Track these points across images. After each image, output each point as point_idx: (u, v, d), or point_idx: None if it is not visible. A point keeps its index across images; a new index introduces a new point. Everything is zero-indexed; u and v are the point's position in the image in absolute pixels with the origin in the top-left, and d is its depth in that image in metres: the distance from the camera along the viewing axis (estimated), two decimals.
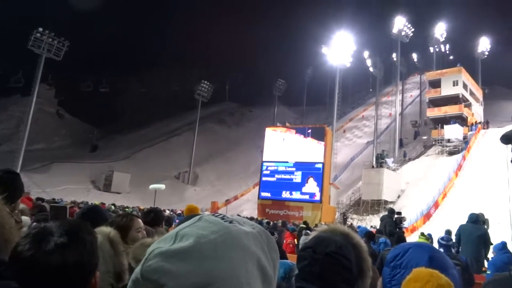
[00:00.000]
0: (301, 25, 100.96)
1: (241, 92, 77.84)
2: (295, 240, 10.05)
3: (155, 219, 3.64)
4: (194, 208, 4.26)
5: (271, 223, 14.48)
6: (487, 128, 38.73)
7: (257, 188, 32.01)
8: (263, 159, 28.87)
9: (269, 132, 29.55)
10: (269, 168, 28.28)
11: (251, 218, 15.93)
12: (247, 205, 37.42)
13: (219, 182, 49.39)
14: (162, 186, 17.40)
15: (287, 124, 32.76)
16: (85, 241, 0.96)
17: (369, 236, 6.94)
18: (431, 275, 1.05)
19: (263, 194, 27.95)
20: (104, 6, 64.10)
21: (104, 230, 1.95)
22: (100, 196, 35.53)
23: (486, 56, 50.23)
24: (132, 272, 0.61)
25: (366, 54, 61.96)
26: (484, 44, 49.76)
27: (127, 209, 16.88)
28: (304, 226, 11.06)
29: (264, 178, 28.32)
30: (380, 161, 31.72)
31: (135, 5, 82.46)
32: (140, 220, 2.66)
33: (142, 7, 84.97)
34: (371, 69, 56.28)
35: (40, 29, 33.12)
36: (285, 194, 27.03)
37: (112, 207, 17.26)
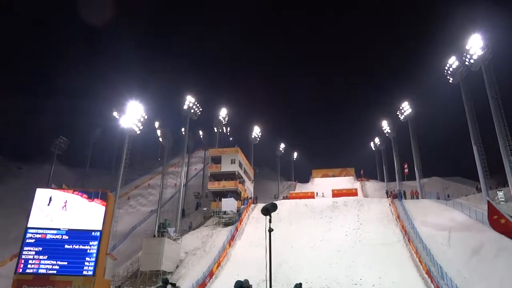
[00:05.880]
0: (93, 84, 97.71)
1: (9, 144, 67.05)
2: None
3: None
4: None
5: None
6: (256, 203, 44.41)
7: (15, 260, 26.68)
8: (28, 225, 24.58)
9: (41, 193, 25.74)
10: (35, 236, 24.22)
11: None
12: None
13: None
14: None
15: (64, 186, 29.48)
16: None
17: None
18: None
19: (23, 267, 23.41)
20: None
21: None
22: None
23: (258, 141, 59.09)
24: None
25: (157, 124, 64.00)
26: (256, 131, 58.66)
27: None
28: None
29: (26, 248, 23.89)
30: (162, 230, 31.66)
31: None
32: None
33: None
34: (160, 139, 57.92)
35: None
36: (52, 267, 23.40)
37: None
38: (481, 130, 35.26)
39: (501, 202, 31.16)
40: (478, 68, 33.19)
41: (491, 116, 31.17)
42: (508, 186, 29.72)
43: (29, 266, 23.40)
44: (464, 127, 36.42)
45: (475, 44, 33.24)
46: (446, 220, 30.38)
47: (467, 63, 34.68)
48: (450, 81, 38.27)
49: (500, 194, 31.88)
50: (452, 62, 37.56)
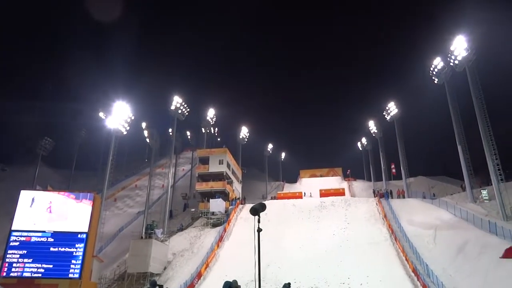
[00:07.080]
0: (78, 84, 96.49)
1: None
2: None
3: None
4: None
5: None
6: (244, 203, 44.33)
7: None
8: (12, 228, 24.15)
9: (25, 195, 25.31)
10: (19, 238, 23.79)
11: None
12: None
13: None
14: None
15: (49, 188, 29.05)
16: None
17: None
18: None
19: (7, 271, 22.97)
20: None
21: None
22: None
23: (245, 142, 59.01)
24: None
25: (144, 125, 63.46)
26: (244, 132, 58.54)
27: None
28: None
29: (10, 251, 23.45)
30: (149, 232, 31.40)
31: None
32: None
33: None
34: (148, 140, 57.47)
35: None
36: (37, 271, 23.01)
37: None
38: (466, 130, 35.91)
39: (485, 201, 31.75)
40: (463, 69, 33.72)
41: (475, 116, 31.71)
42: (491, 185, 30.26)
43: (13, 269, 23.00)
44: (449, 127, 37.05)
45: (459, 46, 33.76)
46: (431, 219, 30.80)
47: (451, 64, 35.20)
48: (435, 82, 38.84)
49: (484, 192, 32.45)
50: (437, 63, 38.11)
